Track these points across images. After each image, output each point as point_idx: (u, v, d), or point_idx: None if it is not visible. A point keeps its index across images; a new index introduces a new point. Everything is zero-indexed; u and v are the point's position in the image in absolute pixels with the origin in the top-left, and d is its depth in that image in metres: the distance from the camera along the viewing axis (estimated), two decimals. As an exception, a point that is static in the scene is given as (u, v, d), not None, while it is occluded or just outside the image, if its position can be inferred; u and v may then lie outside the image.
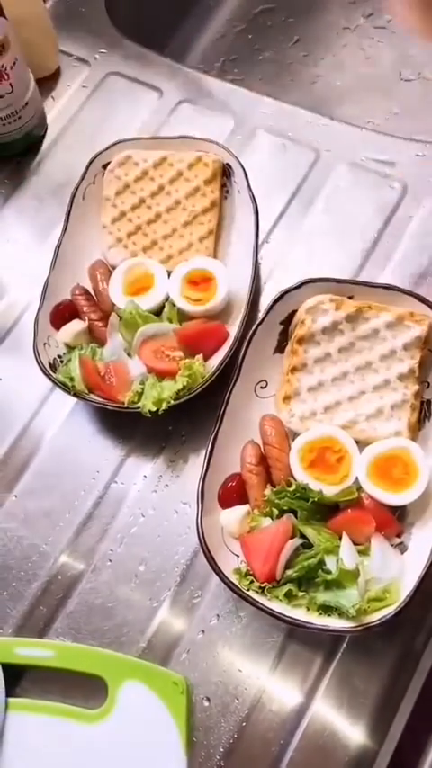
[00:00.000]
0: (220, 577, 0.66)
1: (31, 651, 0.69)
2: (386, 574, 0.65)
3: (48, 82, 0.99)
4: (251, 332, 0.74)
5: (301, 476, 0.69)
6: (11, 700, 0.67)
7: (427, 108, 1.12)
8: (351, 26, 1.21)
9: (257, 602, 0.65)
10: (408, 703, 0.66)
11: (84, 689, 0.67)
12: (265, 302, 0.79)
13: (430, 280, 0.80)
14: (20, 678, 0.69)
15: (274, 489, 0.69)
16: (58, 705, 0.67)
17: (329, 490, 0.68)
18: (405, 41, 1.19)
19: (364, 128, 0.92)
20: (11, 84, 0.86)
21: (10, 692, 0.67)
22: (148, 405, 0.72)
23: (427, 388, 0.73)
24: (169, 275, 0.79)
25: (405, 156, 0.88)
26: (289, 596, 0.65)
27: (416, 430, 0.72)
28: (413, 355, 0.72)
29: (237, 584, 0.66)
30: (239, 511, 0.69)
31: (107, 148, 0.85)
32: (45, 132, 0.96)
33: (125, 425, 0.78)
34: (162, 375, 0.74)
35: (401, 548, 0.68)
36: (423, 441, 0.71)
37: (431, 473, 0.67)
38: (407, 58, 1.17)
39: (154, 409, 0.72)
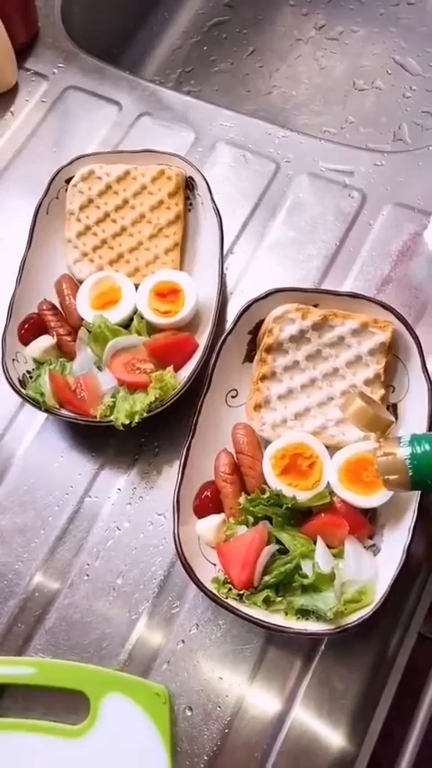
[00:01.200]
0: (199, 587, 0.66)
1: (10, 669, 0.69)
2: (361, 576, 0.67)
3: (6, 97, 0.99)
4: (220, 342, 0.75)
5: (275, 483, 0.70)
6: (-8, 720, 0.67)
7: (381, 117, 1.15)
8: (304, 38, 1.24)
9: (236, 609, 0.66)
10: (385, 701, 0.68)
11: (66, 704, 0.67)
12: (232, 312, 0.80)
13: (392, 286, 0.82)
14: (0, 697, 0.69)
15: (249, 497, 0.70)
16: (41, 722, 0.67)
17: (303, 496, 0.69)
18: (357, 52, 1.21)
19: (322, 138, 0.93)
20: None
21: (-9, 712, 0.67)
22: (120, 418, 0.72)
23: (393, 392, 0.75)
24: (136, 288, 0.80)
25: (363, 165, 0.90)
26: (267, 602, 0.66)
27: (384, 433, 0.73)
28: (378, 360, 0.74)
29: (215, 592, 0.66)
30: (215, 520, 0.70)
31: (69, 163, 0.85)
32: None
33: (97, 439, 0.78)
34: (133, 388, 0.75)
35: (374, 549, 0.69)
36: (391, 444, 0.72)
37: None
38: (359, 69, 1.20)
39: (127, 422, 0.72)
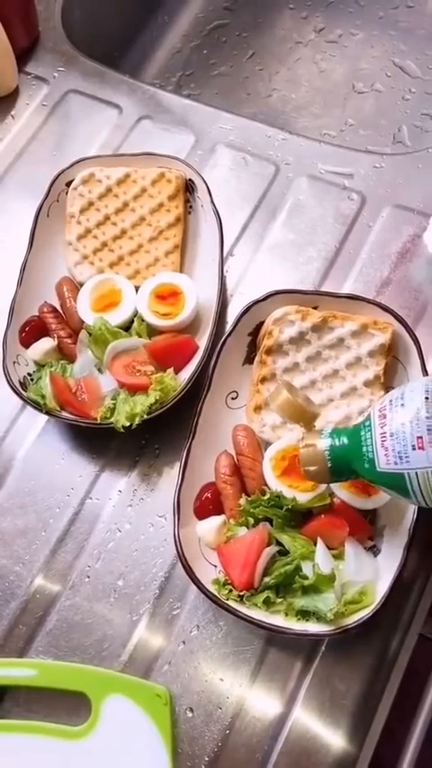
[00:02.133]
0: (199, 588, 0.66)
1: (11, 671, 0.69)
2: (361, 577, 0.67)
3: (7, 101, 1.00)
4: (220, 344, 0.75)
5: (275, 484, 0.70)
6: (-7, 721, 0.67)
7: (381, 119, 1.15)
8: (303, 41, 1.24)
9: (236, 610, 0.66)
10: (386, 702, 0.68)
11: (67, 706, 0.68)
12: (232, 314, 0.80)
13: (391, 288, 0.83)
14: (1, 699, 0.69)
15: (249, 499, 0.70)
16: (42, 724, 0.67)
17: (303, 497, 0.69)
18: (356, 55, 1.22)
19: (321, 141, 0.94)
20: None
21: (-8, 714, 0.67)
22: (121, 420, 0.73)
23: (393, 393, 0.75)
24: (137, 290, 0.80)
25: (362, 168, 0.90)
26: (267, 603, 0.67)
27: (384, 435, 0.73)
28: (378, 362, 0.74)
29: (216, 593, 0.67)
30: (215, 521, 0.70)
31: (70, 166, 0.85)
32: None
33: (98, 441, 0.78)
34: (134, 390, 0.75)
35: (374, 550, 0.69)
36: (391, 445, 0.73)
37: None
38: (359, 71, 1.20)
39: (127, 424, 0.72)
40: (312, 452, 0.58)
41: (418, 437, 0.53)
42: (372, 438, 0.56)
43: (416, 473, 0.53)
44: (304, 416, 0.61)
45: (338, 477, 0.60)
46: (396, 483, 0.55)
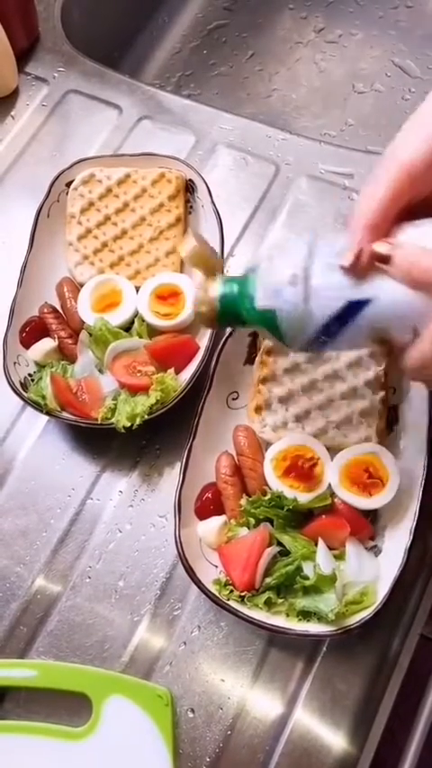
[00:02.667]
0: (200, 588, 0.66)
1: (12, 672, 0.69)
2: (362, 577, 0.67)
3: (7, 101, 1.00)
4: (221, 344, 0.75)
5: (276, 484, 0.70)
6: (-6, 722, 0.67)
7: (381, 119, 1.15)
8: (303, 41, 1.24)
9: (238, 611, 0.66)
10: (387, 703, 0.68)
11: (68, 706, 0.68)
12: (232, 315, 0.80)
13: (392, 288, 0.82)
14: (2, 700, 0.69)
15: (250, 499, 0.70)
16: (43, 725, 0.67)
17: (304, 497, 0.69)
18: (356, 55, 1.22)
19: (321, 141, 0.94)
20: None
21: (-7, 715, 0.67)
22: (121, 420, 0.73)
23: (394, 393, 0.75)
24: (137, 291, 0.80)
25: (362, 168, 0.90)
26: (268, 604, 0.67)
27: (384, 435, 0.73)
28: (379, 362, 0.74)
29: (217, 594, 0.66)
30: (216, 522, 0.70)
31: (70, 167, 0.85)
32: None
33: (99, 442, 0.78)
34: (134, 390, 0.75)
35: (375, 551, 0.69)
36: (392, 445, 0.73)
37: (401, 476, 0.69)
38: (359, 72, 1.20)
39: (128, 425, 0.72)
40: (205, 295, 0.61)
41: (293, 274, 0.56)
42: (256, 278, 0.59)
43: (285, 308, 0.57)
44: (208, 265, 0.64)
45: (226, 322, 0.63)
46: (269, 320, 0.58)
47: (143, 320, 0.79)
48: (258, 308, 0.58)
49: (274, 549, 0.68)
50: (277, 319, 0.57)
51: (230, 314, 0.60)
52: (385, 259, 0.54)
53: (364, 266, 0.54)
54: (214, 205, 0.81)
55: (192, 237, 0.65)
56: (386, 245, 0.54)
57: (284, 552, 0.69)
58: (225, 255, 0.84)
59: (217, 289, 0.61)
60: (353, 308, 0.55)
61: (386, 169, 0.56)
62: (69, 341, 0.79)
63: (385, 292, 0.55)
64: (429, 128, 0.55)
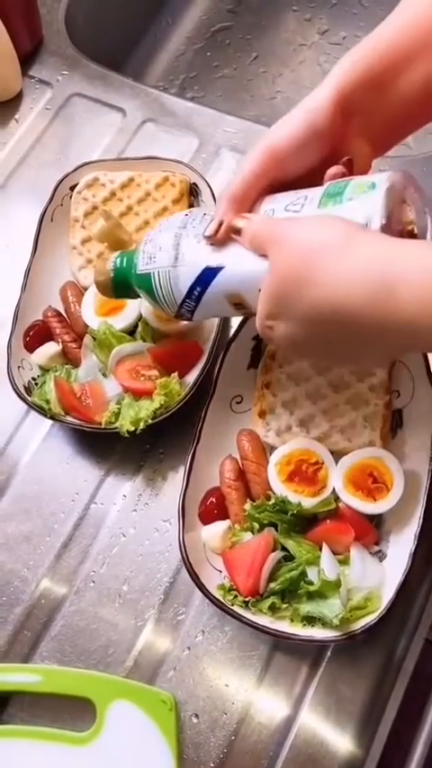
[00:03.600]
0: (204, 593, 0.66)
1: (16, 677, 0.69)
2: (367, 582, 0.67)
3: (10, 105, 1.00)
4: (225, 349, 0.75)
5: (280, 489, 0.70)
6: (-2, 727, 0.67)
7: (385, 122, 1.14)
8: (307, 43, 1.24)
9: (242, 616, 0.66)
10: (392, 707, 0.68)
11: (72, 711, 0.67)
12: (236, 319, 0.80)
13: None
14: (6, 705, 0.69)
15: (254, 504, 0.70)
16: (47, 730, 0.67)
17: (308, 502, 0.69)
18: (360, 57, 1.21)
19: (325, 144, 0.93)
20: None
21: (-3, 720, 0.67)
22: (125, 425, 0.73)
23: (398, 397, 0.75)
24: (141, 295, 0.80)
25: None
26: (273, 609, 0.66)
27: (388, 439, 0.73)
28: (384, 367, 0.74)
29: (221, 599, 0.66)
30: (220, 526, 0.70)
31: (74, 170, 0.85)
32: None
33: (102, 446, 0.78)
34: (138, 394, 0.75)
35: (380, 555, 0.69)
36: (396, 449, 0.72)
37: (405, 481, 0.69)
38: (363, 74, 1.20)
39: (132, 429, 0.72)
40: (103, 266, 0.68)
41: (165, 242, 0.63)
42: (142, 248, 0.66)
43: (158, 272, 0.63)
44: (115, 241, 0.72)
45: (119, 289, 0.69)
46: (147, 284, 0.65)
47: (147, 324, 0.78)
48: (139, 273, 0.65)
49: (278, 554, 0.68)
50: (152, 283, 0.64)
51: (122, 281, 0.67)
52: (238, 231, 0.59)
53: (222, 236, 0.60)
54: (218, 209, 0.81)
55: (100, 216, 0.75)
56: (243, 219, 0.59)
57: (289, 557, 0.69)
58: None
59: (112, 259, 0.67)
60: (209, 274, 0.61)
61: (254, 148, 0.60)
62: (73, 345, 0.79)
63: (233, 259, 0.60)
64: (300, 113, 0.60)
